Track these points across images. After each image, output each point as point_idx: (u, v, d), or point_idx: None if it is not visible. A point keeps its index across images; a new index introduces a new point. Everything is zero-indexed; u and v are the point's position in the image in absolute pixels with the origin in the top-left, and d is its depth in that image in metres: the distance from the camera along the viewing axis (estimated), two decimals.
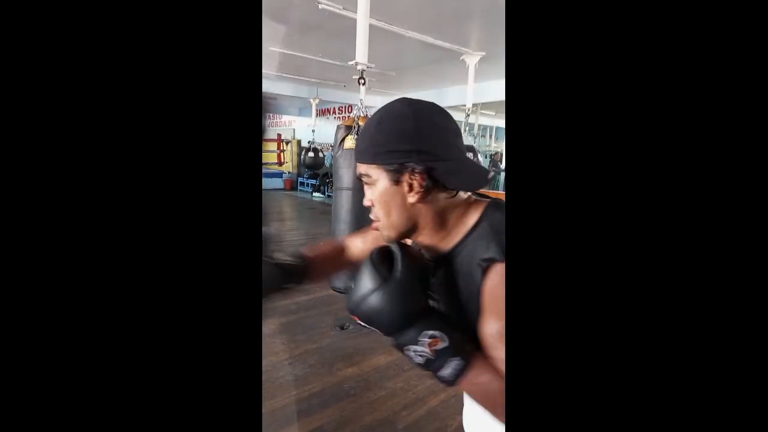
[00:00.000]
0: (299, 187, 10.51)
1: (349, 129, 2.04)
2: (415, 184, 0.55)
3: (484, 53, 4.28)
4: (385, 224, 0.59)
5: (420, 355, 0.52)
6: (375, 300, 0.52)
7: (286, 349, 2.28)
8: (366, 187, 0.60)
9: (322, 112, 9.29)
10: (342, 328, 2.59)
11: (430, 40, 3.88)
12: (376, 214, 0.60)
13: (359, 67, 2.29)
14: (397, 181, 0.55)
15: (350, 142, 2.10)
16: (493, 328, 0.53)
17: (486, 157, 8.81)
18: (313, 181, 9.87)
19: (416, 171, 0.54)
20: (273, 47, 4.79)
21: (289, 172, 10.56)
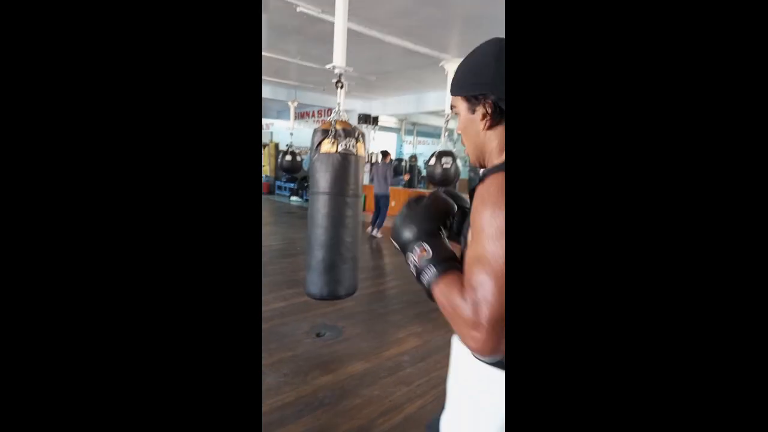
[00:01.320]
0: (276, 191, 10.35)
1: (326, 132, 2.00)
2: (488, 112, 0.61)
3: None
4: (468, 150, 0.67)
5: (411, 263, 0.62)
6: (397, 220, 0.67)
7: None
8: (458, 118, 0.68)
9: (301, 116, 9.20)
10: (318, 335, 2.54)
11: (410, 45, 3.89)
12: (464, 142, 0.68)
13: (337, 71, 2.26)
14: (473, 111, 0.63)
15: (327, 146, 2.07)
16: (471, 250, 0.53)
17: (465, 164, 8.92)
18: (291, 185, 9.74)
19: (488, 100, 0.61)
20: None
21: (266, 176, 10.39)
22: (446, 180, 4.00)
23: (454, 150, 4.51)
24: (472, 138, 0.65)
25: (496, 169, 0.57)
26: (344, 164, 1.95)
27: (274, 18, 3.65)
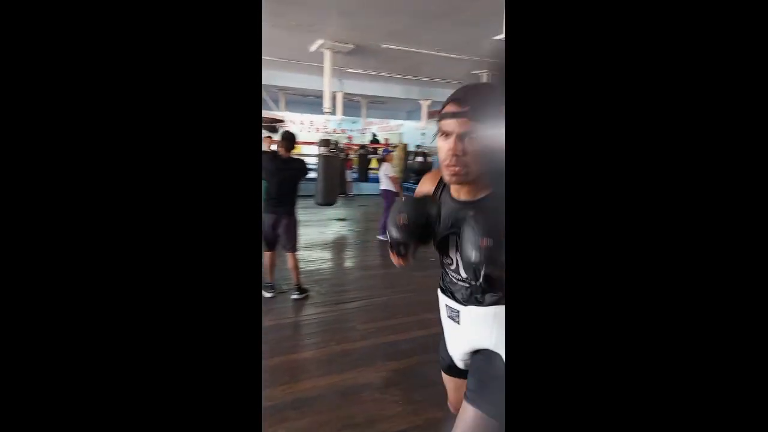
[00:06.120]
0: (405, 193, 10.23)
1: None
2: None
3: None
4: (468, 167, 0.80)
5: None
6: None
7: (403, 412, 1.78)
8: (468, 140, 0.77)
9: (433, 115, 8.83)
10: None
11: None
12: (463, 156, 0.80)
13: None
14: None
15: None
16: None
17: None
18: None
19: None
20: (387, 44, 4.44)
21: None
22: None
23: None
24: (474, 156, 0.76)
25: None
26: None
27: (413, 2, 3.23)
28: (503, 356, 0.88)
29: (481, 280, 0.85)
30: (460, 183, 0.81)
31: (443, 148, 0.78)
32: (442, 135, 0.78)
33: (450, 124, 0.76)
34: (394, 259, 0.92)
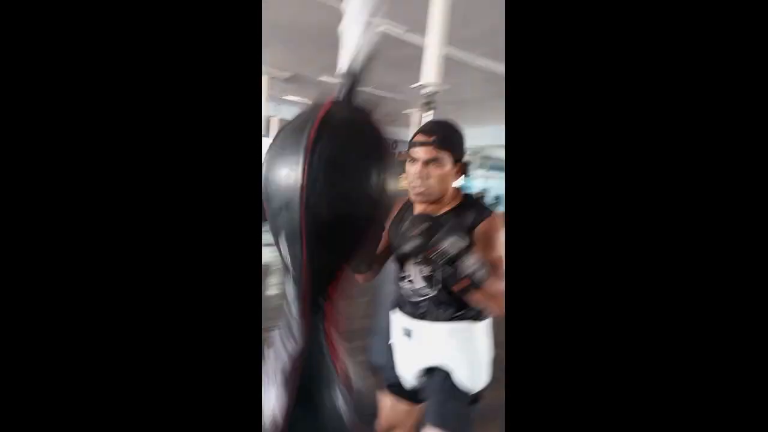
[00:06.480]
0: None
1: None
2: (463, 169, 0.95)
3: None
4: (434, 187, 0.92)
5: (468, 266, 0.80)
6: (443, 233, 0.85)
7: None
8: (432, 165, 0.91)
9: None
10: None
11: (501, 70, 3.42)
12: (432, 179, 0.92)
13: (428, 90, 1.82)
14: (453, 164, 0.93)
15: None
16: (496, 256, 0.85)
17: None
18: None
19: (463, 161, 0.94)
20: (323, 77, 4.54)
21: None
22: None
23: None
24: (445, 181, 0.92)
25: (487, 213, 0.92)
26: None
27: None
28: (457, 375, 0.95)
29: (440, 286, 0.93)
30: (424, 202, 0.95)
31: (411, 171, 0.92)
32: (410, 160, 0.93)
33: (418, 151, 0.91)
34: (359, 278, 1.00)
